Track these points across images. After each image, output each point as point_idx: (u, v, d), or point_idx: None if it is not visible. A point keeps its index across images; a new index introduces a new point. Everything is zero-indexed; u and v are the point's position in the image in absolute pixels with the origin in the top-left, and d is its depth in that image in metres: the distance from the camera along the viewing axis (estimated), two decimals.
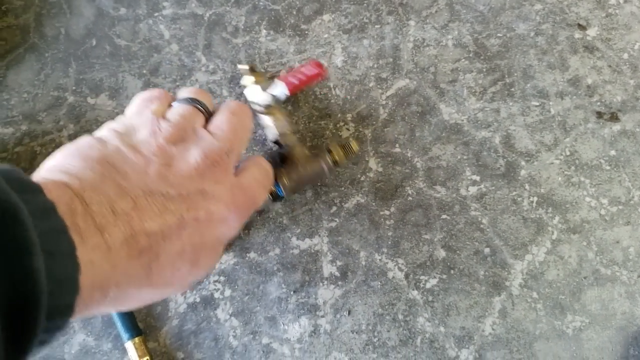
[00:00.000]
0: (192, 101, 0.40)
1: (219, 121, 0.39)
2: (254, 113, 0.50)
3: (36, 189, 0.26)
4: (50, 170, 0.31)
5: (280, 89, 0.50)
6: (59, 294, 0.24)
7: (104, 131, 0.36)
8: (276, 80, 0.51)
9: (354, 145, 0.51)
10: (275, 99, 0.50)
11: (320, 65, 0.49)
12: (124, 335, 0.49)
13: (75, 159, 0.32)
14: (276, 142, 0.51)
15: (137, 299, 0.32)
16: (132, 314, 0.50)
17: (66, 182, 0.29)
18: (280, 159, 0.51)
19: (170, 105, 0.40)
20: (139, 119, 0.37)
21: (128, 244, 0.29)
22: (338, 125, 0.56)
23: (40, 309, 0.22)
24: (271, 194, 0.49)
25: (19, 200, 0.23)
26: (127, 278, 0.29)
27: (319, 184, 0.54)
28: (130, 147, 0.34)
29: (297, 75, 0.49)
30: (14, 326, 0.22)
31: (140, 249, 0.30)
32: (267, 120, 0.51)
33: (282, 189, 0.49)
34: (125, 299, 0.31)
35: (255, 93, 0.52)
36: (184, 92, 0.41)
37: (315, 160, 0.50)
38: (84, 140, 0.34)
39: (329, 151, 0.50)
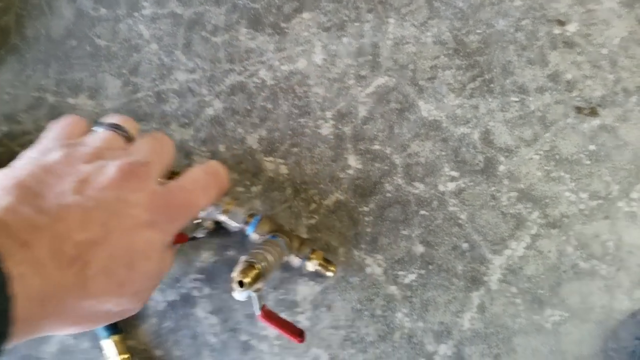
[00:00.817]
0: (113, 126, 0.41)
1: (138, 142, 0.41)
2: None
3: None
4: None
5: (255, 305, 0.44)
6: None
7: (19, 159, 0.37)
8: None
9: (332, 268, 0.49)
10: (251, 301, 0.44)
11: (301, 341, 0.44)
12: (103, 333, 0.49)
13: None
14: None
15: (83, 313, 0.32)
16: None
17: None
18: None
19: (90, 130, 0.41)
20: (53, 143, 0.38)
21: (56, 255, 0.29)
22: (318, 123, 0.56)
23: None
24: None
25: None
26: (62, 289, 0.29)
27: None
28: (44, 170, 0.34)
29: (277, 325, 0.44)
30: None
31: (70, 258, 0.30)
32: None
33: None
34: (68, 312, 0.31)
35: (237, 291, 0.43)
36: (108, 118, 0.42)
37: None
38: (3, 170, 0.34)
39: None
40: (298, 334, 0.44)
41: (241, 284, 0.41)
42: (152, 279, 0.37)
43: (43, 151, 0.37)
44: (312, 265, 0.49)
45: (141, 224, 0.35)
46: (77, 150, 0.37)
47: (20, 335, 0.27)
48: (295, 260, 0.49)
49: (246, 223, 0.49)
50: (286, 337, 0.43)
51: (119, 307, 0.35)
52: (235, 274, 0.41)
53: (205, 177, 0.42)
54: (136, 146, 0.40)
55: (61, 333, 0.35)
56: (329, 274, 0.50)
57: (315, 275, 0.52)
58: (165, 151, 0.42)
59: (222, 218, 0.49)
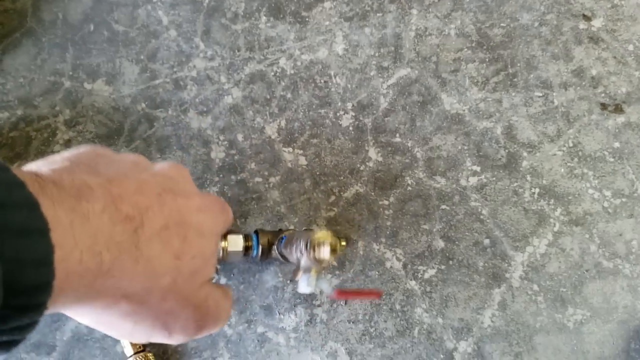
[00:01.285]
0: None
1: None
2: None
3: (2, 167, 0.24)
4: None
5: (326, 287, 0.42)
6: (20, 252, 0.21)
7: (86, 146, 0.36)
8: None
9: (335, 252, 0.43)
10: (318, 288, 0.42)
11: (379, 297, 0.45)
12: None
13: (46, 161, 0.31)
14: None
15: (137, 276, 0.31)
16: None
17: (35, 170, 0.28)
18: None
19: None
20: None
21: (110, 210, 0.28)
22: (338, 114, 0.55)
23: None
24: (247, 247, 0.46)
25: None
26: (115, 245, 0.28)
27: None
28: (96, 154, 0.33)
29: (355, 295, 0.45)
30: None
31: (124, 216, 0.28)
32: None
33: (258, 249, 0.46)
34: (124, 272, 0.29)
35: (306, 281, 0.42)
36: None
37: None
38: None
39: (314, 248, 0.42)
40: (375, 294, 0.44)
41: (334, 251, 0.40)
42: (207, 260, 0.36)
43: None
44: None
45: (193, 205, 0.34)
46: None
47: (71, 297, 0.25)
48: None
49: (248, 248, 0.47)
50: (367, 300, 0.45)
51: (179, 297, 0.34)
52: (325, 250, 0.39)
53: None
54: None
55: (119, 314, 0.32)
56: (342, 245, 0.47)
57: (334, 268, 0.51)
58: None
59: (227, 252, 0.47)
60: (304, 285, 0.40)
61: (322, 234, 0.40)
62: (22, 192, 0.23)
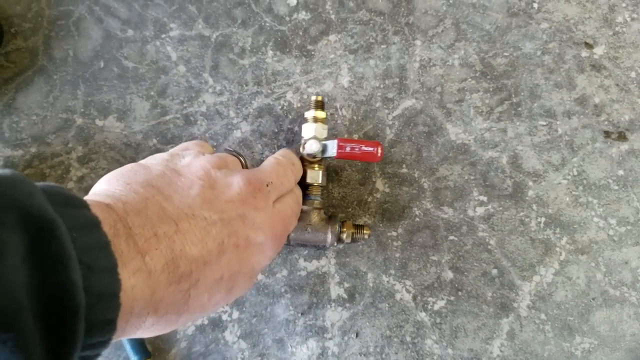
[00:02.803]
0: (233, 153, 0.42)
1: (264, 163, 0.42)
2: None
3: (81, 205, 0.26)
4: (95, 194, 0.31)
5: (331, 147, 0.48)
6: (99, 309, 0.24)
7: (149, 158, 0.37)
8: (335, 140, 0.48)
9: (366, 232, 0.50)
10: (322, 150, 0.49)
11: (380, 148, 0.47)
12: (133, 358, 0.49)
13: (119, 183, 0.32)
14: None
15: (174, 325, 0.32)
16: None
17: (110, 204, 0.29)
18: None
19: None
20: (183, 149, 0.39)
21: (169, 269, 0.29)
22: None
23: (77, 323, 0.22)
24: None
25: (57, 216, 0.23)
26: (165, 305, 0.29)
27: (316, 247, 0.54)
28: (174, 171, 0.35)
29: (354, 145, 0.47)
30: (53, 341, 0.22)
31: (180, 274, 0.30)
32: (304, 163, 0.49)
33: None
34: (161, 325, 0.31)
35: (309, 133, 0.50)
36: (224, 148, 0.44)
37: (325, 226, 0.48)
38: (128, 166, 0.35)
39: (342, 225, 0.49)
40: (375, 144, 0.47)
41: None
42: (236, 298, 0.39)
43: (174, 155, 0.38)
44: (347, 238, 0.49)
45: (254, 247, 0.35)
46: (206, 157, 0.38)
47: (114, 338, 0.28)
48: (329, 238, 0.48)
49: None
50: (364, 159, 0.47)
51: (196, 320, 0.36)
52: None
53: (297, 203, 0.44)
54: (262, 166, 0.42)
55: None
56: (366, 236, 0.50)
57: (344, 301, 0.52)
58: (289, 170, 0.43)
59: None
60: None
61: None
62: (107, 255, 0.25)
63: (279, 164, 0.42)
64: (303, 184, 0.48)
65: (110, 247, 0.26)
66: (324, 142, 0.49)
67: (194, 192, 0.33)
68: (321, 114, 0.50)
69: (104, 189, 0.32)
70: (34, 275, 0.21)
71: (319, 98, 0.51)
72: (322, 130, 0.50)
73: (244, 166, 0.43)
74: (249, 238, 0.35)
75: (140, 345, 0.49)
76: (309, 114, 0.51)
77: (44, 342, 0.21)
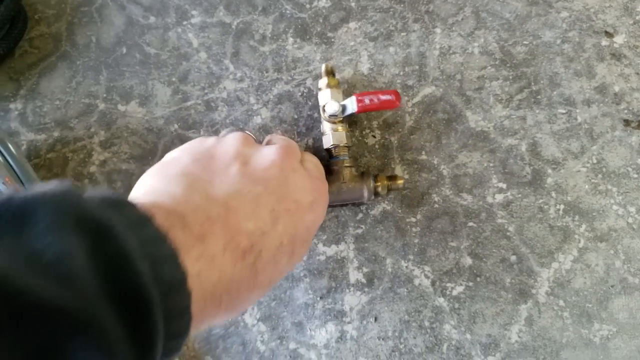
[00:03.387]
0: (239, 130, 0.44)
1: (273, 141, 0.43)
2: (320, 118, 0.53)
3: (130, 204, 0.27)
4: (140, 195, 0.32)
5: (350, 104, 0.50)
6: (172, 296, 0.24)
7: (179, 149, 0.38)
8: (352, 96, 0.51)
9: (400, 181, 0.52)
10: (342, 110, 0.51)
11: (397, 95, 0.49)
12: None
13: (159, 178, 0.33)
14: (328, 151, 0.53)
15: (248, 303, 0.33)
16: None
17: (156, 200, 0.30)
18: (327, 170, 0.51)
19: None
20: (209, 137, 0.39)
21: (230, 248, 0.29)
22: (364, 133, 0.56)
23: (155, 311, 0.23)
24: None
25: (112, 216, 0.24)
26: (236, 284, 0.30)
27: (354, 204, 0.54)
28: (207, 155, 0.35)
29: (372, 97, 0.49)
30: (136, 336, 0.22)
31: (243, 250, 0.30)
32: (327, 127, 0.52)
33: None
34: (238, 304, 0.31)
35: (326, 98, 0.52)
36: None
37: (359, 182, 0.51)
38: (163, 160, 0.35)
39: (375, 178, 0.51)
40: (393, 93, 0.49)
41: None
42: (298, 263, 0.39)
43: (201, 140, 0.39)
44: (382, 190, 0.51)
45: (304, 207, 0.36)
46: (230, 137, 0.38)
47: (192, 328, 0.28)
48: (366, 192, 0.51)
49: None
50: (384, 108, 0.49)
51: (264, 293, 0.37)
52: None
53: (319, 165, 0.45)
54: (271, 141, 0.43)
55: None
56: (401, 185, 0.52)
57: (363, 286, 0.52)
58: (293, 143, 0.44)
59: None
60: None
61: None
62: (167, 246, 0.26)
63: (280, 137, 0.43)
64: (329, 147, 0.52)
65: (167, 238, 0.26)
66: (342, 103, 0.51)
67: (232, 170, 0.34)
68: (333, 80, 0.53)
69: (147, 188, 0.33)
70: (102, 272, 0.22)
71: (329, 65, 0.54)
72: (337, 94, 0.52)
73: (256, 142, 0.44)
74: (297, 200, 0.35)
75: None
76: (322, 82, 0.53)
77: (128, 339, 0.21)
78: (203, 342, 0.51)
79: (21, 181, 0.50)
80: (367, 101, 0.48)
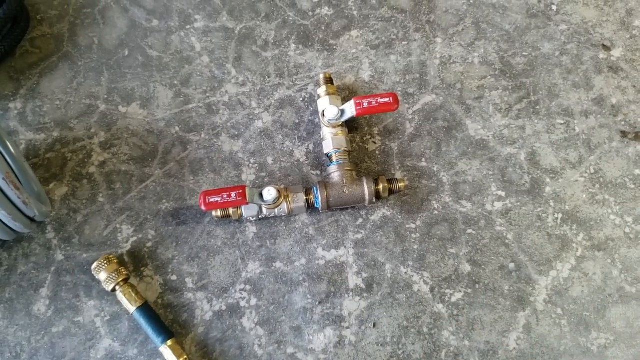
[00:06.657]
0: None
1: None
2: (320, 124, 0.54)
3: None
4: None
5: (349, 107, 0.51)
6: None
7: None
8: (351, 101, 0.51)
9: (401, 183, 0.52)
10: (341, 114, 0.52)
11: (395, 98, 0.50)
12: (157, 339, 0.49)
13: None
14: (328, 156, 0.53)
15: None
16: (159, 319, 0.50)
17: None
18: (328, 176, 0.53)
19: None
20: None
21: None
22: (365, 139, 0.57)
23: None
24: (308, 203, 0.51)
25: None
26: None
27: (355, 207, 0.55)
28: None
29: (370, 100, 0.50)
30: None
31: None
32: (327, 133, 0.53)
33: (319, 201, 0.50)
34: None
35: (326, 104, 0.53)
36: None
37: (360, 184, 0.51)
38: None
39: (376, 181, 0.52)
40: (391, 95, 0.50)
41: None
42: None
43: None
44: (384, 192, 0.51)
45: None
46: None
47: None
48: (367, 194, 0.51)
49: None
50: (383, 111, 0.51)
51: None
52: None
53: None
54: None
55: None
56: (402, 187, 0.52)
57: (362, 291, 0.52)
58: None
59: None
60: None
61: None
62: None
63: None
64: (329, 152, 0.53)
65: None
66: (341, 108, 0.52)
67: None
68: (332, 88, 0.55)
69: None
70: None
71: (328, 74, 0.56)
72: (336, 100, 0.54)
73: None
74: None
75: (162, 326, 0.49)
76: (321, 90, 0.55)
77: None
78: (200, 346, 0.50)
79: (19, 179, 0.49)
80: (365, 104, 0.49)
